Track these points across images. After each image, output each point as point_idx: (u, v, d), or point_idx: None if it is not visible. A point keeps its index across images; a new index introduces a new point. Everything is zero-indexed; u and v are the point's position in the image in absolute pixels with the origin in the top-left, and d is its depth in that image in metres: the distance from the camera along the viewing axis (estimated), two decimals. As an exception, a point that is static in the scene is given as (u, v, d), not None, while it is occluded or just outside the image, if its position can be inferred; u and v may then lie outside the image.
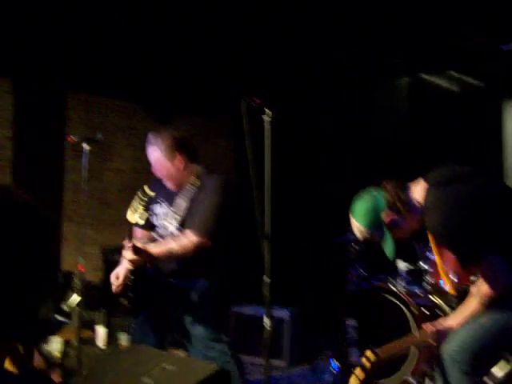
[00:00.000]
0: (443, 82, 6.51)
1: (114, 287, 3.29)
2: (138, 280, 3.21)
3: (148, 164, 5.64)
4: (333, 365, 4.66)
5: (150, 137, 3.37)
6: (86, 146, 3.94)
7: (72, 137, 4.06)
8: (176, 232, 3.30)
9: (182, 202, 3.32)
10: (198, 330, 3.26)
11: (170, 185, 3.39)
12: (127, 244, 3.16)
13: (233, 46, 6.30)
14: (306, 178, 7.22)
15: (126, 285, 3.24)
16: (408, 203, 2.65)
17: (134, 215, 3.26)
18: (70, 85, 6.69)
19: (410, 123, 6.66)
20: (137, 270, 3.20)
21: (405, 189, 2.69)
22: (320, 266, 6.49)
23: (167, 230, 3.36)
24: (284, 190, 6.67)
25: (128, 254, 3.13)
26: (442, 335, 2.58)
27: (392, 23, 5.59)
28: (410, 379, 3.79)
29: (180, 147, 3.35)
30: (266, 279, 2.71)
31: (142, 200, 3.31)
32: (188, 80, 7.01)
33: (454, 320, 2.62)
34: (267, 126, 2.66)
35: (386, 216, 2.65)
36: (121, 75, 6.65)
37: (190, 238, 3.20)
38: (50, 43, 5.97)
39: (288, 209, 6.86)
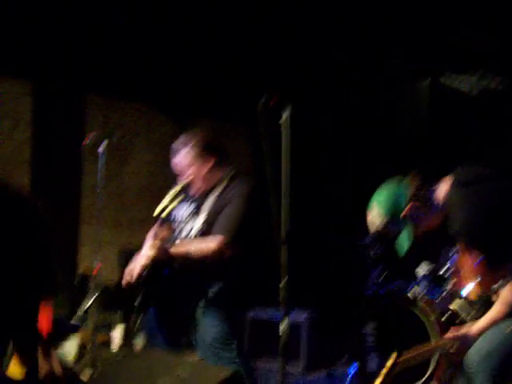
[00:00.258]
0: (464, 85, 6.42)
1: (124, 281, 3.23)
2: (152, 277, 3.17)
3: (166, 166, 5.60)
4: (349, 370, 4.58)
5: (181, 138, 3.30)
6: (101, 148, 3.92)
7: (88, 138, 4.04)
8: (197, 234, 3.25)
9: (207, 205, 3.28)
10: (206, 337, 3.20)
11: (196, 187, 3.32)
12: (147, 239, 3.13)
13: (250, 46, 6.27)
14: (325, 179, 7.15)
15: (140, 279, 3.20)
16: (430, 198, 2.58)
17: (158, 208, 3.18)
18: (88, 87, 6.70)
19: (431, 125, 6.58)
20: (153, 268, 3.15)
21: (429, 184, 2.63)
22: (338, 269, 6.42)
23: (188, 232, 3.32)
24: (302, 190, 6.63)
25: (147, 249, 3.08)
26: (464, 342, 2.51)
27: (413, 25, 5.53)
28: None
29: (211, 149, 3.30)
30: (283, 282, 2.67)
31: (171, 195, 3.23)
32: (206, 82, 6.98)
33: (477, 327, 2.54)
34: (284, 125, 2.62)
35: (405, 208, 2.58)
36: (139, 78, 6.65)
37: (212, 243, 3.15)
38: (68, 45, 5.99)
39: (306, 210, 6.80)
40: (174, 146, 3.32)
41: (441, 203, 2.58)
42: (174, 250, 3.13)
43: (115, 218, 7.18)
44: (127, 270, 3.29)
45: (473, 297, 3.08)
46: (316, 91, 6.92)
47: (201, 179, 3.29)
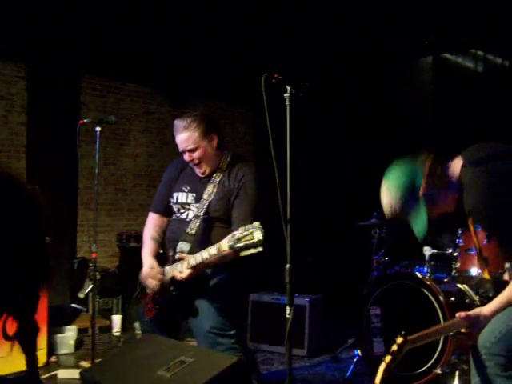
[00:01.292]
0: (467, 62, 6.30)
1: (150, 290, 3.20)
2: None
3: (164, 148, 5.38)
4: (354, 353, 4.52)
5: (184, 118, 3.20)
6: (98, 129, 3.81)
7: (83, 120, 3.92)
8: (200, 220, 3.14)
9: (209, 189, 3.18)
10: (205, 324, 3.09)
11: (200, 169, 3.21)
12: (177, 256, 3.06)
13: (252, 27, 6.14)
14: (329, 161, 7.06)
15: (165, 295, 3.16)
16: (446, 177, 2.47)
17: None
18: (84, 69, 6.58)
19: (435, 104, 6.47)
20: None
21: (444, 163, 2.52)
22: (342, 252, 6.34)
23: (189, 217, 3.21)
24: (306, 173, 6.56)
25: (183, 272, 2.99)
26: (475, 324, 2.42)
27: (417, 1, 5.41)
28: (439, 371, 3.64)
29: (213, 127, 3.24)
30: (288, 265, 2.58)
31: None
32: (205, 64, 6.86)
33: (490, 307, 2.44)
34: (288, 103, 2.52)
35: (421, 188, 2.46)
36: (136, 59, 6.53)
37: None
38: (64, 28, 5.86)
39: (310, 193, 6.72)
40: (177, 124, 3.21)
41: (456, 183, 2.47)
42: (207, 260, 3.00)
43: (113, 201, 7.10)
44: (145, 275, 3.20)
45: (485, 275, 2.97)
46: (317, 73, 6.80)
47: (206, 159, 3.19)
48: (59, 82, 6.24)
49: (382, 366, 2.21)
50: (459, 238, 3.94)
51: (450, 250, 4.08)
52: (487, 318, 2.41)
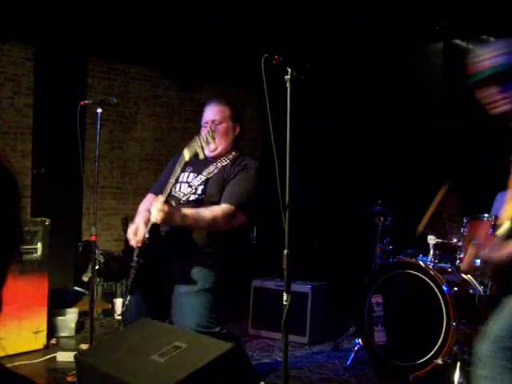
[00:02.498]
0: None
1: (133, 242, 3.07)
2: (149, 249, 3.02)
3: (171, 132, 5.30)
4: (356, 341, 4.48)
5: (218, 98, 3.37)
6: (99, 110, 3.77)
7: (86, 101, 3.88)
8: (191, 195, 3.10)
9: (210, 168, 3.18)
10: (189, 321, 3.03)
11: (214, 147, 3.19)
12: (157, 198, 2.96)
13: (260, 12, 6.07)
14: (333, 146, 6.98)
15: (141, 247, 3.04)
16: None
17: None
18: (91, 51, 6.53)
19: (444, 89, 6.38)
20: (152, 236, 2.98)
21: None
22: (345, 239, 6.29)
23: (184, 197, 3.17)
24: (309, 157, 6.49)
25: (158, 206, 2.88)
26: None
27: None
28: (440, 361, 3.59)
29: (242, 122, 3.36)
30: (285, 251, 2.53)
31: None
32: (214, 48, 6.80)
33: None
34: (288, 85, 2.46)
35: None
36: (143, 42, 6.47)
37: (221, 207, 3.03)
38: (71, 10, 5.81)
39: (314, 178, 6.66)
40: (211, 100, 3.36)
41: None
42: (185, 211, 2.96)
43: (119, 185, 7.08)
44: (130, 230, 3.11)
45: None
46: (324, 56, 6.73)
47: (224, 139, 3.21)
48: (66, 64, 6.20)
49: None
50: (464, 227, 3.88)
51: (455, 240, 4.02)
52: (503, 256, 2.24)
